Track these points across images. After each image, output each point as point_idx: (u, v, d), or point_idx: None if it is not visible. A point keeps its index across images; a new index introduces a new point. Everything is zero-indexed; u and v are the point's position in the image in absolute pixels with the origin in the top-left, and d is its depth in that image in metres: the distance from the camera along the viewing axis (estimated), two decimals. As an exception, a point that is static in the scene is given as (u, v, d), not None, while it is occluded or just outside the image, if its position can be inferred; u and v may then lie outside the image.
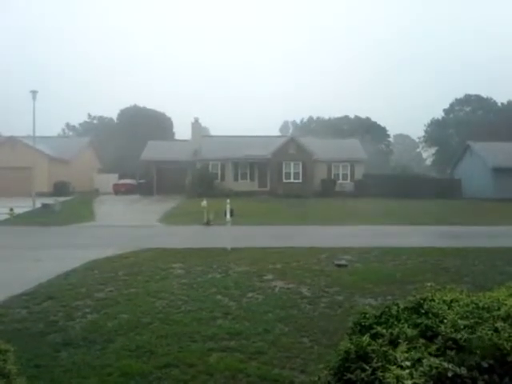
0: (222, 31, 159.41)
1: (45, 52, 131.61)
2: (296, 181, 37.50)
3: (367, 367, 2.27)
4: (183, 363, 5.16)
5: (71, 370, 5.01)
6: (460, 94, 65.55)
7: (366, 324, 2.80)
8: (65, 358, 5.37)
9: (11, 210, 22.97)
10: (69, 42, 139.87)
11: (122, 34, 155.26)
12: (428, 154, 72.95)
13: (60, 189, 36.79)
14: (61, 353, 5.51)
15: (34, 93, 28.18)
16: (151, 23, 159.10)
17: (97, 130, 61.97)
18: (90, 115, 71.38)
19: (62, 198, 30.84)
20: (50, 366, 5.12)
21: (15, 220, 22.11)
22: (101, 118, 70.52)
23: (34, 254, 12.88)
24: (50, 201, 27.01)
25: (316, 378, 2.73)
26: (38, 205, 26.46)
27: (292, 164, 37.65)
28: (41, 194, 30.83)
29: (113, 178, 43.27)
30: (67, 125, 72.95)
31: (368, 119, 67.79)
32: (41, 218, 22.96)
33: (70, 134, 69.38)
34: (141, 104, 64.79)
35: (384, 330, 2.58)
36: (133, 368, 5.00)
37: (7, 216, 22.56)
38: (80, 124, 71.93)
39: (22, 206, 25.47)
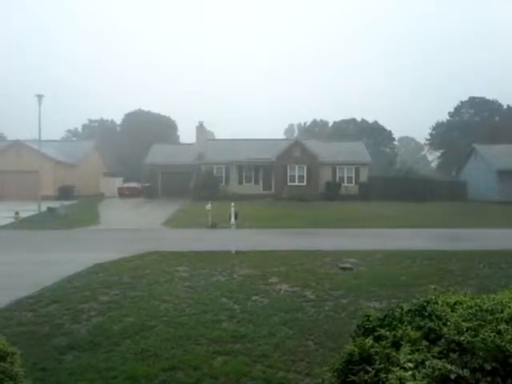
0: (226, 34, 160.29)
1: (45, 56, 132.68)
2: (301, 184, 37.46)
3: (370, 369, 2.29)
4: (188, 366, 5.17)
5: (77, 372, 5.03)
6: (465, 97, 65.47)
7: (370, 326, 2.81)
8: (70, 361, 5.39)
9: (17, 213, 23.12)
10: (70, 45, 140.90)
11: (126, 38, 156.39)
12: (433, 157, 72.93)
13: (65, 192, 37.00)
14: (66, 356, 5.54)
15: (39, 97, 28.30)
16: (154, 27, 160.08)
17: (100, 134, 62.32)
18: (90, 119, 72.02)
19: (67, 202, 31.00)
20: (56, 368, 5.14)
21: (21, 224, 22.24)
22: (101, 121, 70.89)
23: (39, 257, 12.95)
24: (55, 204, 27.15)
25: (320, 381, 2.75)
26: (44, 208, 26.61)
27: (297, 167, 37.64)
28: (46, 198, 30.97)
29: (118, 182, 43.45)
30: (68, 130, 73.55)
31: (374, 122, 67.74)
32: (46, 221, 23.11)
33: (74, 139, 69.80)
34: (145, 108, 65.33)
35: (387, 333, 2.59)
36: (138, 371, 5.02)
37: (13, 220, 22.71)
38: (81, 126, 72.42)
39: (28, 210, 25.64)
